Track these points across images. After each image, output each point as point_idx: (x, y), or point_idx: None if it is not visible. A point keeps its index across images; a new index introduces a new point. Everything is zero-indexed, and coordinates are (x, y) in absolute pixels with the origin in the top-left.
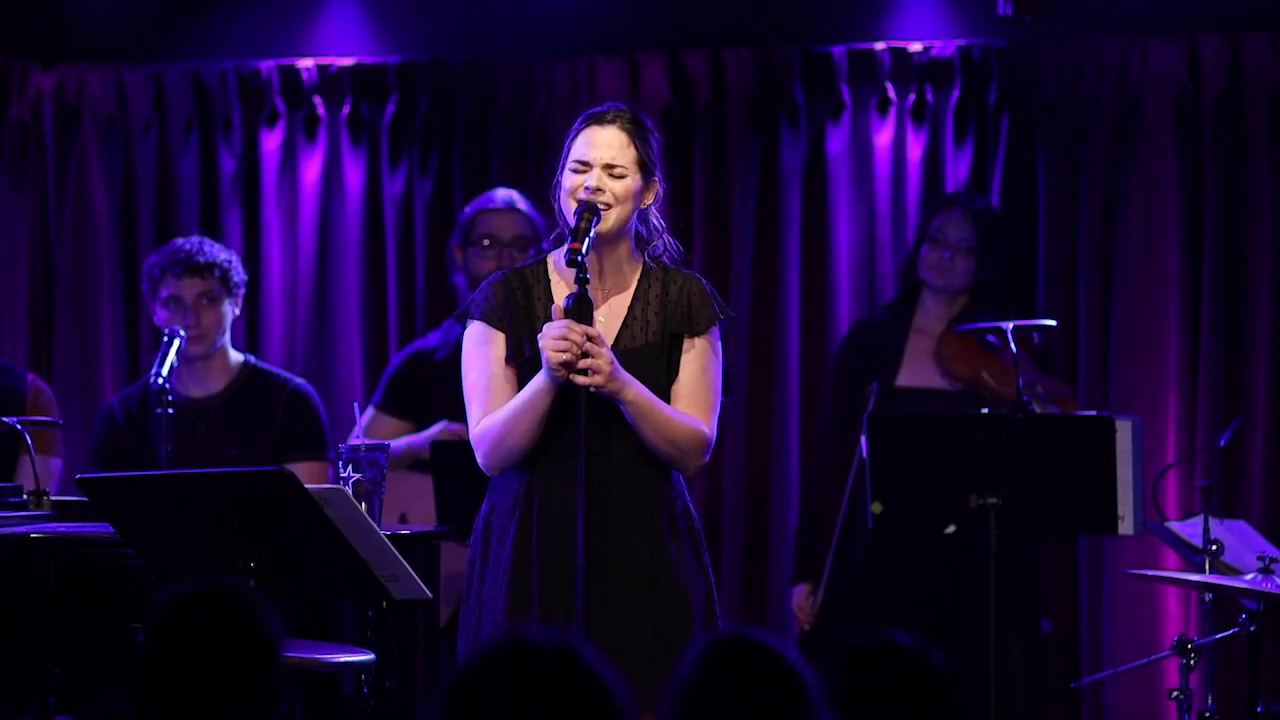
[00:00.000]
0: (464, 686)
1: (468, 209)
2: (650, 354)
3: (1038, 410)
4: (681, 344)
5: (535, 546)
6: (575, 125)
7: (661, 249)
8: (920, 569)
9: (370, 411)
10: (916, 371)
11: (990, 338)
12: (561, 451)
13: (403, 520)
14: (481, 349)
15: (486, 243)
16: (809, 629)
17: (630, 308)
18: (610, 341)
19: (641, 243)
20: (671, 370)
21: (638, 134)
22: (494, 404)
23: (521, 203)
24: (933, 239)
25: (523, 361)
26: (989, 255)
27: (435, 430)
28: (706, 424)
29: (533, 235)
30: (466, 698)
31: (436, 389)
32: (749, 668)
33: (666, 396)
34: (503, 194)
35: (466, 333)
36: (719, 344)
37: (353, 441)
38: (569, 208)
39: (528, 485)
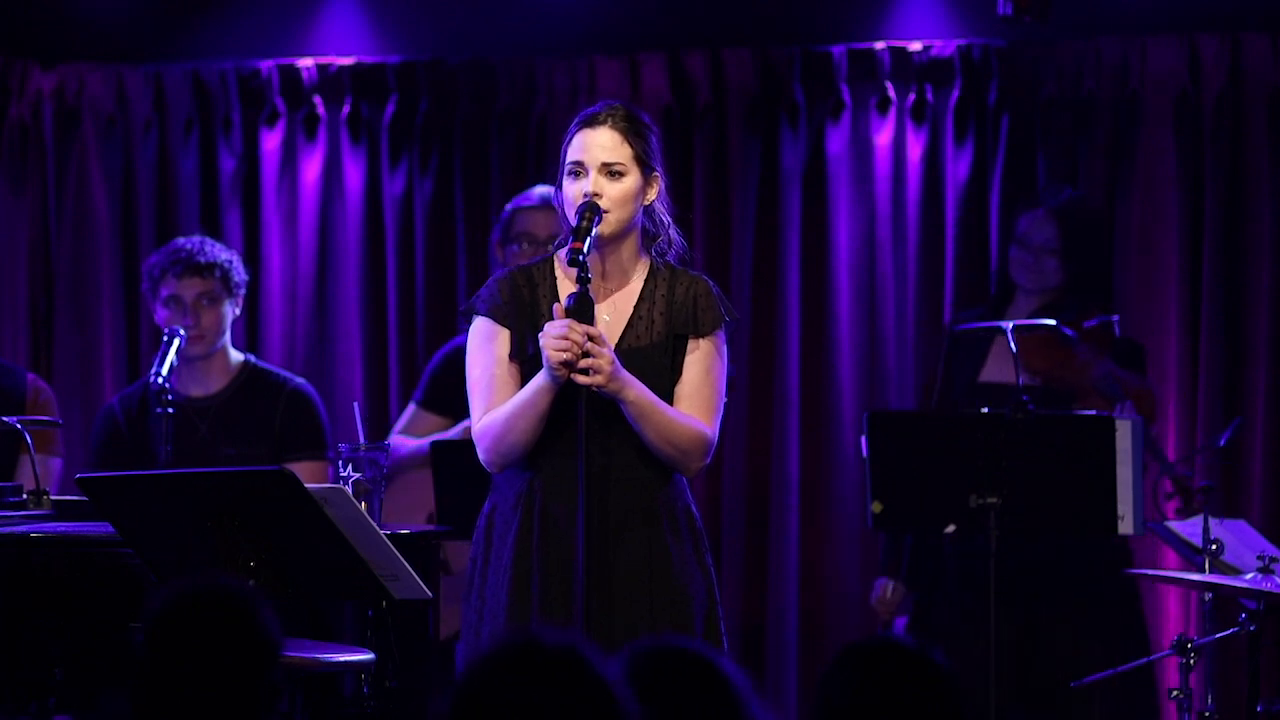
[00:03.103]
0: (472, 688)
1: (507, 206)
2: (654, 354)
3: (1115, 401)
4: (685, 345)
5: (536, 545)
6: (570, 129)
7: (667, 244)
8: (1013, 563)
9: (411, 408)
10: (999, 368)
11: (1066, 330)
12: (563, 451)
13: (430, 520)
14: (485, 345)
15: (525, 241)
16: (888, 620)
17: (636, 307)
18: (614, 340)
19: (648, 239)
20: (675, 371)
21: (632, 130)
22: (496, 400)
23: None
24: (1020, 241)
25: (525, 359)
26: (1076, 252)
27: (460, 428)
28: (708, 425)
29: None
30: (474, 699)
31: None
32: (679, 676)
33: (669, 397)
34: (540, 191)
35: (471, 328)
36: (724, 346)
37: (393, 438)
38: (570, 212)
39: (530, 483)
